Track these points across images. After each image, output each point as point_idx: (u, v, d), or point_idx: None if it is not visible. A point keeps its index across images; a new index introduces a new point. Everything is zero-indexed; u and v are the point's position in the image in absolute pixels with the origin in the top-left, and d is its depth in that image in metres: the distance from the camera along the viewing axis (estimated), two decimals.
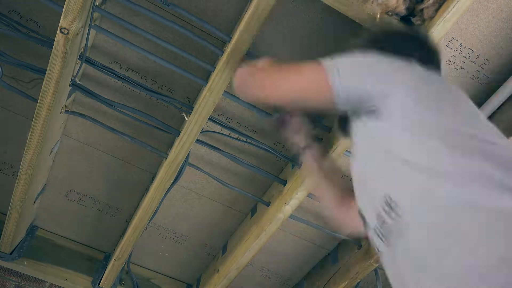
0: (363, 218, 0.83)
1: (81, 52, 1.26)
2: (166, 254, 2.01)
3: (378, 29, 1.04)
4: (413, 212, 0.68)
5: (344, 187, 1.11)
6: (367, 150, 0.84)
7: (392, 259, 0.72)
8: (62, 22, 1.09)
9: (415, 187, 0.69)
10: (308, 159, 1.20)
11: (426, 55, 0.92)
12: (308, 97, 0.92)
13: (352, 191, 1.06)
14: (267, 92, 0.97)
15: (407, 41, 0.95)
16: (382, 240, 0.73)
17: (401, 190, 0.71)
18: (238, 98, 1.37)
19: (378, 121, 0.80)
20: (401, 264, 0.69)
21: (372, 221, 0.77)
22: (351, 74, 0.86)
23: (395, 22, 1.07)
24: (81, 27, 1.14)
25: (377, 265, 1.68)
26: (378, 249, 0.77)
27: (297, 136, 1.21)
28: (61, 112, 1.38)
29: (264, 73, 1.01)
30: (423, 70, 0.86)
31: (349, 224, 1.10)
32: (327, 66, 0.87)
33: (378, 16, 1.05)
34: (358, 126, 0.87)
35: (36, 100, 1.28)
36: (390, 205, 0.71)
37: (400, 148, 0.74)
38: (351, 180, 0.93)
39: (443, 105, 0.78)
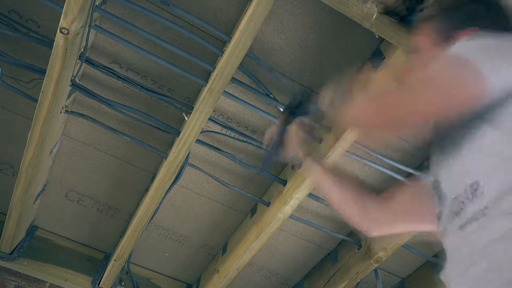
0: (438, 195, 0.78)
1: (81, 52, 1.26)
2: (166, 254, 2.01)
3: (472, 3, 0.88)
4: (496, 196, 0.64)
5: (356, 186, 1.05)
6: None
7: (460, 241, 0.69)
8: (62, 22, 1.09)
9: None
10: (311, 166, 1.16)
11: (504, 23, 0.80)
12: (461, 107, 0.71)
13: (366, 188, 1.02)
14: (406, 115, 0.75)
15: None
16: (452, 221, 0.70)
17: (490, 176, 0.66)
18: (238, 98, 1.37)
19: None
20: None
21: (447, 202, 0.73)
22: (503, 61, 0.69)
23: None
24: (81, 27, 1.14)
25: (377, 265, 1.68)
26: (445, 229, 0.73)
27: (296, 147, 1.14)
28: (61, 112, 1.38)
29: (396, 96, 0.78)
30: None
31: (373, 226, 1.03)
32: (481, 65, 0.68)
33: (375, 17, 1.05)
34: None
35: (36, 100, 1.28)
36: (474, 189, 0.67)
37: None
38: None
39: None
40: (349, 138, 1.30)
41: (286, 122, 1.09)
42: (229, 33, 1.24)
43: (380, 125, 0.81)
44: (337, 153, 1.34)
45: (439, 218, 0.76)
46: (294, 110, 1.10)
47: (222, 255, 1.90)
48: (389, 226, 1.01)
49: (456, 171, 0.75)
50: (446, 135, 0.80)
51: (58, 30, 1.11)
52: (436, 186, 0.80)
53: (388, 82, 0.86)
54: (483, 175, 0.68)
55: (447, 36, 0.86)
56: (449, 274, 0.70)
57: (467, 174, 0.70)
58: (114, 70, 1.36)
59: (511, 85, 0.68)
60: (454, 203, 0.71)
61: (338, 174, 1.10)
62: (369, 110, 0.82)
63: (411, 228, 1.00)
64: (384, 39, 1.13)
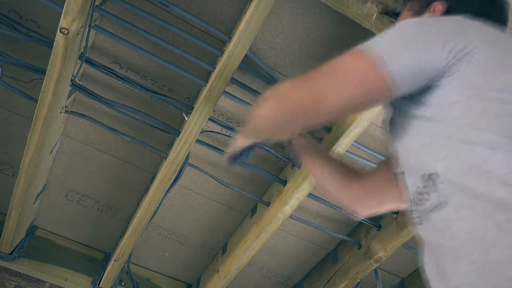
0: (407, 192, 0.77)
1: (81, 52, 1.26)
2: (166, 254, 2.01)
3: None
4: (455, 183, 0.64)
5: (342, 168, 1.07)
6: (415, 130, 0.73)
7: (428, 233, 0.69)
8: (62, 22, 1.09)
9: (465, 159, 0.63)
10: (300, 148, 1.17)
11: (484, 7, 0.81)
12: (364, 98, 0.72)
13: (352, 171, 1.05)
14: (310, 109, 0.73)
15: None
16: (418, 216, 0.71)
17: (448, 162, 0.66)
18: (238, 98, 1.37)
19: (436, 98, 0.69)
20: (436, 239, 0.67)
21: (411, 194, 0.73)
22: (402, 50, 0.69)
23: None
24: (81, 27, 1.14)
25: (377, 265, 1.68)
26: (415, 224, 0.73)
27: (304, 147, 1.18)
28: (61, 112, 1.38)
29: (301, 89, 0.75)
30: (485, 26, 0.73)
31: (359, 205, 1.04)
32: (378, 51, 0.70)
33: (375, 17, 1.05)
34: (408, 107, 0.74)
35: (36, 100, 1.28)
36: (432, 178, 0.67)
37: (460, 125, 0.66)
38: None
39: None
40: (349, 138, 1.30)
41: None
42: (229, 33, 1.24)
43: (288, 118, 0.77)
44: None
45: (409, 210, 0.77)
46: None
47: (222, 255, 1.90)
48: (371, 205, 1.02)
49: (411, 164, 0.74)
50: (394, 127, 0.80)
51: (58, 30, 1.11)
52: (402, 178, 0.80)
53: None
54: (437, 164, 0.67)
55: (421, 9, 0.87)
56: (428, 270, 0.72)
57: (423, 166, 0.70)
58: (114, 70, 1.36)
59: (418, 68, 0.68)
60: (416, 196, 0.71)
61: (326, 157, 1.13)
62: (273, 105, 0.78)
63: (392, 207, 1.01)
64: None
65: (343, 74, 0.72)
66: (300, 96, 0.74)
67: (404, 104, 0.75)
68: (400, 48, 0.70)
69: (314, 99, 0.72)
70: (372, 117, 1.24)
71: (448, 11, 0.83)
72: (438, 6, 0.83)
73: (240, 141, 1.03)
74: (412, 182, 0.73)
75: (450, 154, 0.66)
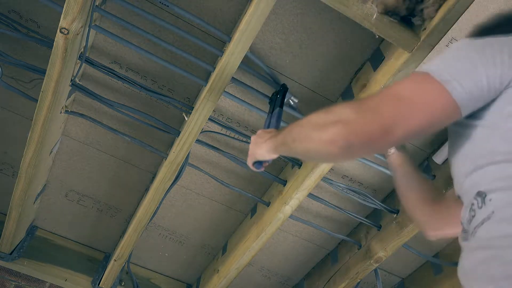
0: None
1: (81, 52, 1.26)
2: (166, 254, 2.01)
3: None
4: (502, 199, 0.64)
5: (428, 189, 1.07)
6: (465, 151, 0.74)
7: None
8: (62, 22, 1.09)
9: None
10: (395, 165, 1.15)
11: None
12: (435, 123, 0.71)
13: (438, 194, 1.04)
14: (388, 137, 0.69)
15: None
16: (465, 233, 0.71)
17: (493, 181, 0.67)
18: (238, 98, 1.37)
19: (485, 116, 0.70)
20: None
21: (464, 214, 0.74)
22: (467, 75, 0.69)
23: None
24: (81, 27, 1.14)
25: (377, 265, 1.68)
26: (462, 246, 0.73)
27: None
28: (61, 112, 1.38)
29: (370, 117, 0.71)
30: None
31: (429, 227, 1.03)
32: (439, 76, 0.69)
33: (375, 17, 1.05)
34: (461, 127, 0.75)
35: (36, 100, 1.28)
36: (481, 196, 0.67)
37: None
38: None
39: None
40: None
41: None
42: (229, 33, 1.24)
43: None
44: None
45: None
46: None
47: (222, 255, 1.90)
48: (444, 230, 1.01)
49: (464, 182, 0.75)
50: (450, 147, 0.81)
51: (58, 30, 1.11)
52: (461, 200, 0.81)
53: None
54: (486, 183, 0.68)
55: None
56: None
57: (474, 185, 0.71)
58: (114, 70, 1.36)
59: (480, 89, 0.68)
60: (470, 212, 0.71)
61: (417, 175, 1.10)
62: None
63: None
64: (384, 39, 1.13)
65: (412, 102, 0.69)
66: (369, 126, 0.70)
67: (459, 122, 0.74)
68: (465, 68, 0.69)
69: (384, 130, 0.69)
70: None
71: None
72: None
73: (268, 155, 1.02)
74: (466, 201, 0.74)
75: (497, 171, 0.67)
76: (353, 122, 0.71)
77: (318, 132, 0.76)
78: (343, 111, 0.74)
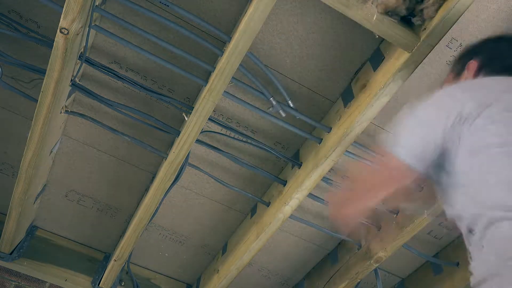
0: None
1: (81, 52, 1.26)
2: (166, 254, 2.01)
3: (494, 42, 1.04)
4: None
5: None
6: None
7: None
8: (62, 22, 1.09)
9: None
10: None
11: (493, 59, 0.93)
12: (397, 186, 0.91)
13: None
14: (365, 205, 0.98)
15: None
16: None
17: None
18: (238, 98, 1.37)
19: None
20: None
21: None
22: (408, 138, 0.86)
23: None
24: (81, 27, 1.14)
25: (377, 265, 1.68)
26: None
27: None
28: (61, 112, 1.38)
29: (350, 204, 1.01)
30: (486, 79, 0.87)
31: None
32: (391, 148, 0.87)
33: (375, 17, 1.05)
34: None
35: (36, 100, 1.28)
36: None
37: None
38: None
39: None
40: (348, 139, 1.30)
41: None
42: (229, 33, 1.24)
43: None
44: (337, 153, 1.34)
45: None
46: None
47: (222, 255, 1.90)
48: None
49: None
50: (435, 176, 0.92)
51: (58, 30, 1.11)
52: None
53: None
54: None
55: (459, 70, 1.00)
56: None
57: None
58: (114, 70, 1.36)
59: (424, 148, 0.83)
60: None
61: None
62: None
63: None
64: (384, 39, 1.13)
65: (379, 185, 0.93)
66: (350, 209, 1.01)
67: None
68: (408, 135, 0.87)
69: (360, 210, 1.01)
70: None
71: (481, 68, 0.93)
72: (472, 65, 0.93)
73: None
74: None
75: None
76: (339, 207, 1.08)
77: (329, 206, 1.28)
78: (337, 197, 1.16)
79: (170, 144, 1.53)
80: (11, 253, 1.80)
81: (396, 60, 1.16)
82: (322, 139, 1.41)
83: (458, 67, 1.03)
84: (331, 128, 1.37)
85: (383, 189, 0.91)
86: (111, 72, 1.34)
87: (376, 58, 1.26)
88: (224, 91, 1.28)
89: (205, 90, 1.26)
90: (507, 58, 0.91)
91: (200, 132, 1.36)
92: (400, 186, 0.90)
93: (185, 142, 1.38)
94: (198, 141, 1.46)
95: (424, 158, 0.84)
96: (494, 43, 0.98)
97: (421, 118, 0.86)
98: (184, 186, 1.72)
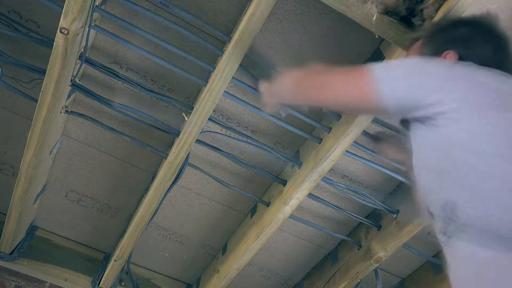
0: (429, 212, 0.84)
1: (81, 52, 1.26)
2: (166, 254, 2.01)
3: (443, 22, 0.99)
4: (471, 213, 0.72)
5: None
6: (428, 155, 0.83)
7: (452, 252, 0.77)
8: (62, 22, 1.09)
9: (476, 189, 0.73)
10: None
11: (488, 51, 0.87)
12: (354, 104, 0.88)
13: None
14: (313, 95, 0.94)
15: (467, 36, 0.90)
16: (444, 233, 0.78)
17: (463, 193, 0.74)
18: (238, 98, 1.37)
19: (436, 130, 0.78)
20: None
21: (437, 217, 0.80)
22: (402, 83, 0.81)
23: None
24: (81, 27, 1.14)
25: (377, 265, 1.68)
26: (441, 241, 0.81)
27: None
28: (61, 112, 1.38)
29: (314, 76, 0.95)
30: (479, 73, 0.81)
31: None
32: (377, 73, 0.82)
33: (375, 17, 1.05)
34: (418, 130, 0.84)
35: (36, 100, 1.28)
36: (451, 207, 0.75)
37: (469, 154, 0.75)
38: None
39: (495, 112, 0.76)
40: (348, 139, 1.30)
41: None
42: (229, 33, 1.24)
43: (298, 95, 0.99)
44: (336, 155, 1.34)
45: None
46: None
47: (222, 255, 1.90)
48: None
49: (429, 190, 0.83)
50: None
51: (58, 30, 1.11)
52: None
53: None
54: (452, 193, 0.76)
55: (432, 55, 0.94)
56: None
57: (439, 193, 0.78)
58: (114, 70, 1.36)
59: (405, 100, 0.80)
60: (439, 221, 0.78)
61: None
62: (291, 81, 1.00)
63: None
64: (384, 39, 1.13)
65: (344, 81, 0.88)
66: (309, 86, 0.95)
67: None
68: (396, 79, 0.82)
69: (318, 92, 0.92)
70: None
71: (459, 59, 0.88)
72: (451, 55, 0.88)
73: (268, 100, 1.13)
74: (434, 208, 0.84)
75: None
76: (301, 80, 0.99)
77: (280, 82, 1.08)
78: (301, 72, 1.00)
79: (170, 144, 1.53)
80: (11, 253, 1.80)
81: (396, 59, 1.16)
82: (322, 139, 1.41)
83: (429, 51, 0.95)
84: (331, 128, 1.37)
85: (335, 94, 0.89)
86: (111, 72, 1.34)
87: (376, 58, 1.26)
88: (224, 91, 1.28)
89: (205, 90, 1.26)
90: (484, 57, 0.88)
91: (200, 132, 1.36)
92: (358, 108, 0.89)
93: (185, 142, 1.38)
94: (198, 141, 1.46)
95: (401, 109, 0.81)
96: (468, 33, 0.91)
97: (424, 71, 0.82)
98: (184, 186, 1.72)
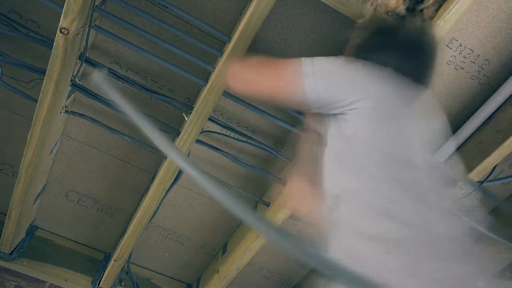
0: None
1: (81, 52, 1.26)
2: (166, 254, 2.01)
3: (371, 25, 1.02)
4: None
5: None
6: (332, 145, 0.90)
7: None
8: (62, 22, 1.09)
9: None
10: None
11: (407, 60, 0.92)
12: (279, 95, 0.92)
13: None
14: (243, 86, 1.00)
15: (391, 42, 0.94)
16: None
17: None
18: (238, 98, 1.37)
19: (343, 125, 0.86)
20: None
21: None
22: (325, 80, 0.87)
23: (389, 19, 1.05)
24: (81, 27, 1.14)
25: None
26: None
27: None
28: (61, 112, 1.38)
29: (247, 68, 1.01)
30: (395, 83, 0.87)
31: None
32: (304, 67, 0.87)
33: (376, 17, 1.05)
34: (329, 122, 0.91)
35: (36, 100, 1.28)
36: (336, 198, 0.84)
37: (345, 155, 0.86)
38: None
39: (391, 128, 0.84)
40: None
41: None
42: (229, 33, 1.24)
43: (242, 90, 1.02)
44: None
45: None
46: None
47: (222, 255, 1.90)
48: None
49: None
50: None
51: (58, 30, 1.11)
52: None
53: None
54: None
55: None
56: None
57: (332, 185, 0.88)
58: (114, 70, 1.36)
59: (326, 96, 0.86)
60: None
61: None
62: (235, 77, 1.03)
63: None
64: None
65: (273, 70, 0.93)
66: (243, 77, 1.01)
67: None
68: (321, 77, 0.87)
69: (249, 83, 0.98)
70: None
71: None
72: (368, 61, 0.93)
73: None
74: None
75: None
76: (236, 73, 1.04)
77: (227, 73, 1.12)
78: (238, 64, 1.05)
79: None
80: (11, 253, 1.80)
81: None
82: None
83: (355, 49, 1.00)
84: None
85: (263, 84, 0.94)
86: (111, 72, 1.34)
87: None
88: (224, 91, 1.28)
89: (205, 90, 1.26)
90: (397, 65, 0.91)
91: (200, 132, 1.36)
92: (285, 100, 0.91)
93: (185, 142, 1.38)
94: (198, 141, 1.46)
95: (320, 104, 0.87)
96: (384, 42, 0.96)
97: (347, 76, 0.88)
98: (184, 186, 1.72)
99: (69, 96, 1.39)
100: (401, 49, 0.92)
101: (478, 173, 1.37)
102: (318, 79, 0.86)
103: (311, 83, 0.86)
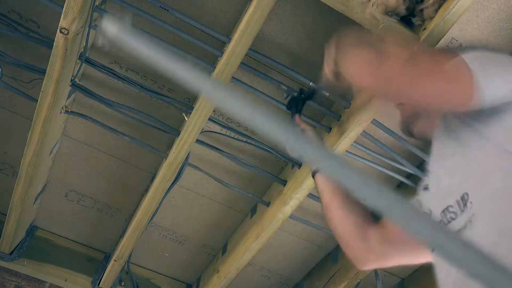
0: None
1: (81, 52, 1.26)
2: (166, 254, 2.01)
3: None
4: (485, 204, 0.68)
5: (358, 208, 1.03)
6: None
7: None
8: (62, 22, 1.09)
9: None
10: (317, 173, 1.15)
11: None
12: (453, 106, 0.76)
13: (368, 213, 1.00)
14: (398, 92, 0.80)
15: None
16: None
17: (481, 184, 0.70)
18: None
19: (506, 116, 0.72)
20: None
21: (437, 214, 0.76)
22: (497, 81, 0.73)
23: None
24: (81, 27, 1.14)
25: None
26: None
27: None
28: (61, 112, 1.38)
29: (397, 67, 0.79)
30: None
31: (369, 257, 0.99)
32: (475, 67, 0.72)
33: (377, 17, 1.05)
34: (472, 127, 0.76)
35: (36, 100, 1.28)
36: (463, 199, 0.70)
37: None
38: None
39: None
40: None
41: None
42: (229, 33, 1.24)
43: (376, 89, 0.86)
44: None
45: None
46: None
47: (222, 255, 1.90)
48: (385, 258, 0.97)
49: (446, 181, 0.77)
50: (441, 144, 0.83)
51: (58, 30, 1.11)
52: (424, 195, 0.83)
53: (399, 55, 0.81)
54: (473, 186, 0.70)
55: None
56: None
57: (459, 186, 0.73)
58: (114, 70, 1.36)
59: (500, 97, 0.71)
60: (445, 214, 0.73)
61: (341, 189, 1.07)
62: (371, 74, 0.83)
63: (407, 261, 0.96)
64: None
65: (443, 82, 0.75)
66: (398, 85, 0.79)
67: (461, 121, 0.77)
68: (493, 75, 0.73)
69: (405, 90, 0.78)
70: (370, 118, 1.24)
71: None
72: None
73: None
74: (440, 202, 0.75)
75: (484, 177, 0.69)
76: (390, 76, 0.82)
77: (360, 72, 0.90)
78: (390, 62, 0.81)
79: (170, 144, 1.53)
80: (11, 253, 1.80)
81: None
82: (322, 138, 1.41)
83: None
84: (331, 128, 1.37)
85: (431, 96, 0.75)
86: (111, 72, 1.34)
87: None
88: None
89: None
90: None
91: (200, 132, 1.36)
92: (450, 108, 0.76)
93: (185, 142, 1.38)
94: (198, 141, 1.46)
95: (492, 104, 0.72)
96: None
97: (504, 69, 0.75)
98: (184, 186, 1.72)
99: (69, 96, 1.39)
100: None
101: None
102: (491, 82, 0.72)
103: (487, 89, 0.71)
